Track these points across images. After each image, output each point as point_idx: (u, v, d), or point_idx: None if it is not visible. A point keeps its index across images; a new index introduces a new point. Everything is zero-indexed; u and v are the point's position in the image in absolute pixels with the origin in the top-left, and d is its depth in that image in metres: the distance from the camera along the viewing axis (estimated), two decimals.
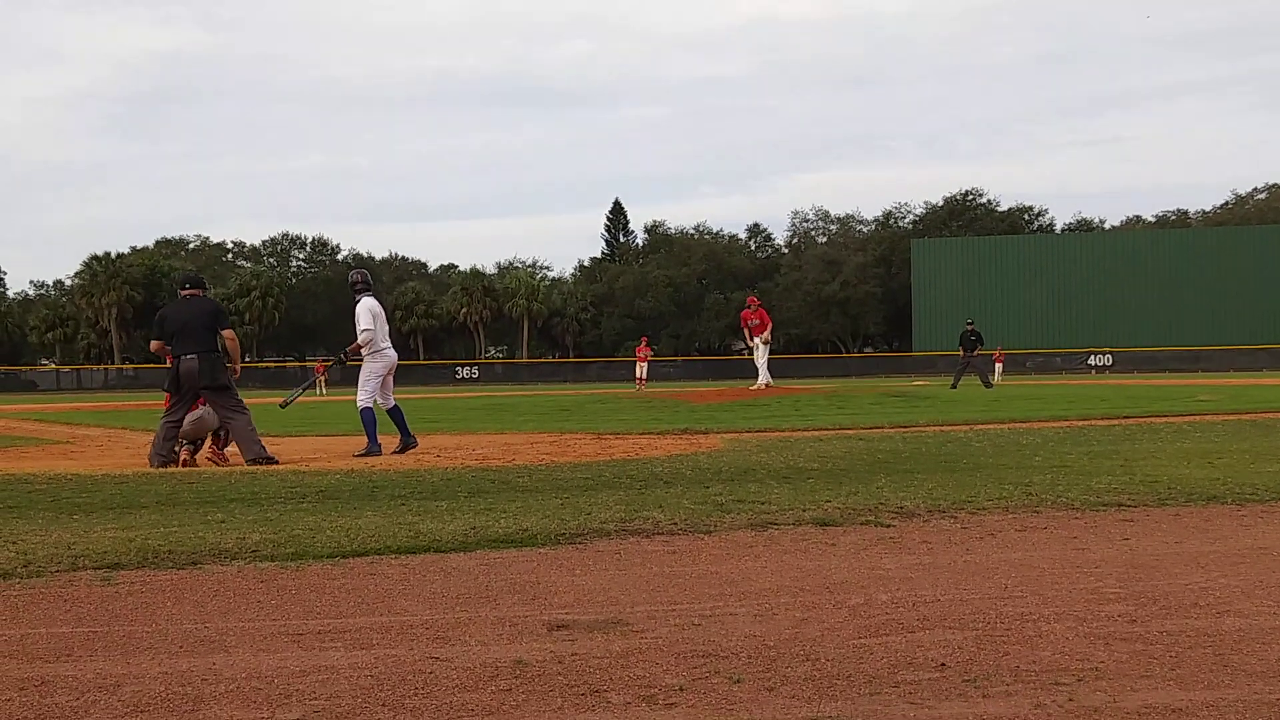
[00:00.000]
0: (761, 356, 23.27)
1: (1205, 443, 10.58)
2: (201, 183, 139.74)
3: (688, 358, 79.62)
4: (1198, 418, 14.57)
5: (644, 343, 43.57)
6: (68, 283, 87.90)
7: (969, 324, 31.43)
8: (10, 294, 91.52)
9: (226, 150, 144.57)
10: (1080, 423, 13.91)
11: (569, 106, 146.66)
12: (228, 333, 10.44)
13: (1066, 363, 67.71)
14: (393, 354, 11.35)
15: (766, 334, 23.18)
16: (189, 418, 10.31)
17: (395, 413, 11.17)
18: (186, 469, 9.86)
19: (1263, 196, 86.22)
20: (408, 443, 11.02)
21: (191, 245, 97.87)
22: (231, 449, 10.58)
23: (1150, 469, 8.22)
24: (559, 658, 3.47)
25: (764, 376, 23.01)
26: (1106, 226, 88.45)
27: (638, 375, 40.73)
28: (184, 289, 10.65)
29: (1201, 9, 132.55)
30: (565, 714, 2.94)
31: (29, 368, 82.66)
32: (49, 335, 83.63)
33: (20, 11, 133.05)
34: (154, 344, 10.67)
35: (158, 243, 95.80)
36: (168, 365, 10.45)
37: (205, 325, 10.31)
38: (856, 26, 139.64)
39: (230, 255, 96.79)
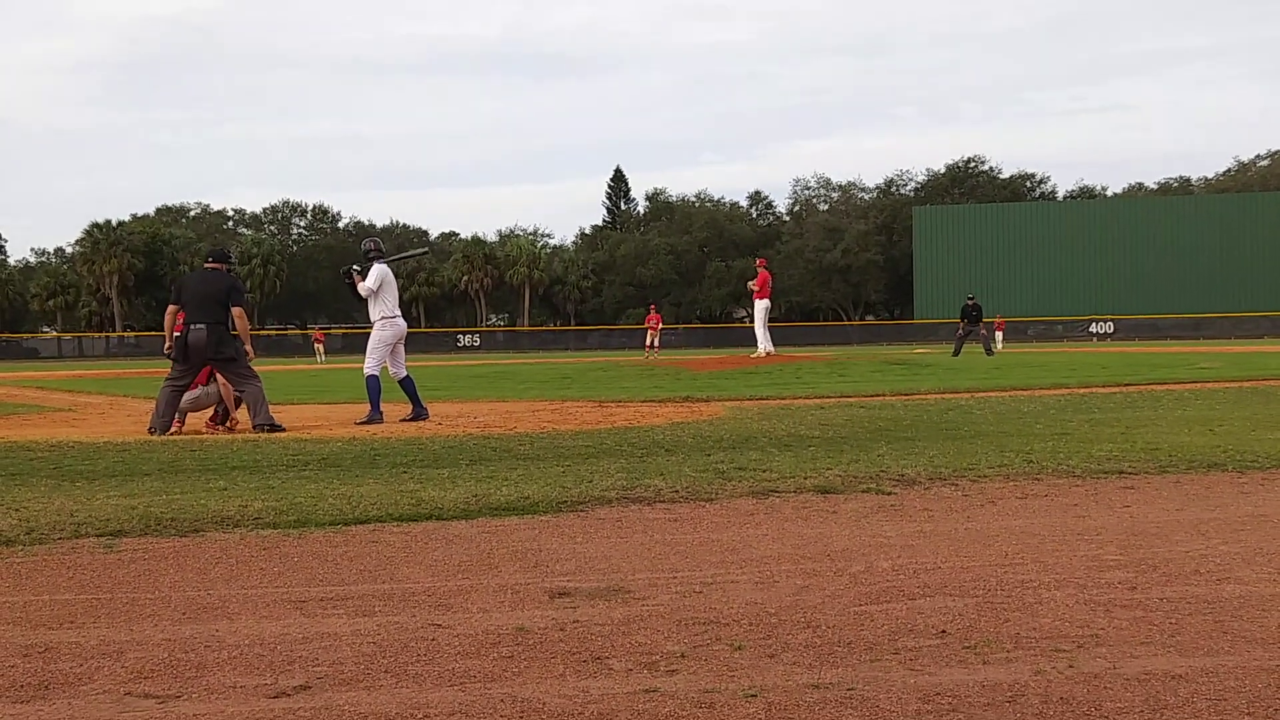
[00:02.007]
0: (760, 324, 23.16)
1: (1206, 410, 10.57)
2: (202, 150, 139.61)
3: (689, 326, 79.58)
4: (1199, 385, 14.56)
5: (652, 310, 44.10)
6: (69, 250, 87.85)
7: (970, 299, 31.63)
8: (11, 261, 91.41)
9: (227, 117, 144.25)
10: (1081, 390, 13.90)
11: (570, 73, 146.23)
12: (236, 310, 10.49)
13: (1068, 330, 67.71)
14: (402, 323, 11.36)
15: (762, 298, 22.93)
16: (187, 396, 10.43)
17: (407, 383, 11.16)
18: (188, 436, 9.88)
19: (1265, 163, 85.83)
20: (419, 413, 11.00)
21: (192, 213, 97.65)
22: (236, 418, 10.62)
23: (1151, 436, 8.22)
24: (560, 625, 3.48)
25: (764, 344, 22.93)
26: (1109, 194, 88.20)
27: (654, 344, 40.91)
28: (208, 261, 10.85)
29: None
30: (567, 680, 2.95)
31: (30, 335, 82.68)
32: (50, 303, 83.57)
33: None
34: (170, 308, 10.72)
35: (158, 210, 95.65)
36: (175, 334, 10.48)
37: (218, 300, 10.46)
38: None
39: (231, 223, 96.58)
